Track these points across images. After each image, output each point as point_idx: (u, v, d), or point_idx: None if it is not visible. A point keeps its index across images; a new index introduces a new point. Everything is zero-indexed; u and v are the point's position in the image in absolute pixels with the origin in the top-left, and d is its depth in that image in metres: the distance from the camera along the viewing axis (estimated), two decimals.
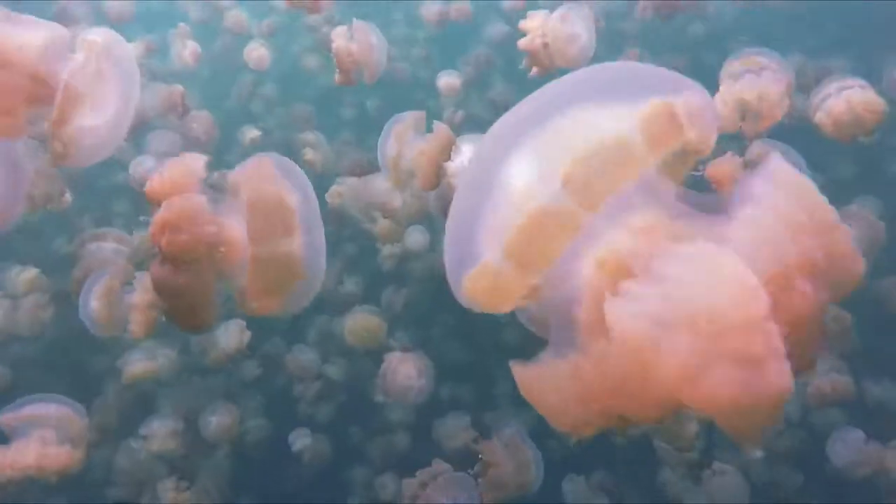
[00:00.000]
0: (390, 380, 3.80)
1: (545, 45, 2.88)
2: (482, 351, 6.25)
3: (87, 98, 1.81)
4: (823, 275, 1.14)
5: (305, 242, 1.83)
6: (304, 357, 5.20)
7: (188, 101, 4.41)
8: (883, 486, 4.35)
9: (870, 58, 6.28)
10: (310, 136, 5.23)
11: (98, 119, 1.86)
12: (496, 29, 7.25)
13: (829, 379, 3.91)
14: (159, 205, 1.76)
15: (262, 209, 1.77)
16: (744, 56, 2.63)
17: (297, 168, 1.95)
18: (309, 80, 7.88)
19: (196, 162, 1.83)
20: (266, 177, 1.82)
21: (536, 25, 2.89)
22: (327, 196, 4.45)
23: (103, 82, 1.86)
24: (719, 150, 1.40)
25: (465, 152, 2.79)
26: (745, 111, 2.42)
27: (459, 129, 6.10)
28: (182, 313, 1.81)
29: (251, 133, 5.77)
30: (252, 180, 1.81)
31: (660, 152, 1.23)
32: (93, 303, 2.68)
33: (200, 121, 4.64)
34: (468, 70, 6.76)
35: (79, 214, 5.35)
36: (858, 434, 4.25)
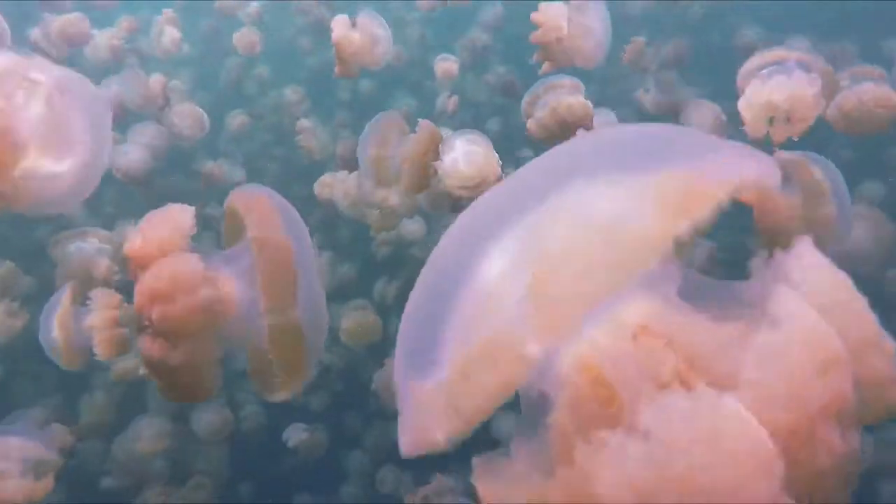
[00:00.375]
0: (390, 383, 3.64)
1: (559, 40, 2.68)
2: None
3: (34, 144, 1.61)
4: (853, 410, 0.91)
5: (309, 303, 1.58)
6: None
7: (174, 88, 4.22)
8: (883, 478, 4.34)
9: (873, 41, 6.18)
10: (305, 122, 5.07)
11: (60, 166, 1.68)
12: (492, 11, 7.10)
13: None
14: (143, 268, 1.50)
15: (270, 271, 1.52)
16: (770, 52, 2.42)
17: (294, 210, 1.72)
18: (301, 62, 7.70)
19: (182, 216, 1.57)
20: (272, 228, 1.56)
21: (551, 18, 2.69)
22: (316, 186, 4.30)
23: (59, 126, 1.66)
24: None
25: (458, 148, 2.63)
26: (773, 115, 2.26)
27: (455, 115, 6.00)
28: (181, 390, 1.57)
29: (239, 118, 5.61)
30: (258, 234, 1.55)
31: (688, 222, 0.91)
32: (55, 332, 2.45)
33: (184, 115, 4.39)
34: (465, 54, 6.61)
35: None
36: None
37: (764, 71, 2.34)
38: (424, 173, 2.67)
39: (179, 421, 4.15)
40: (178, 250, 1.52)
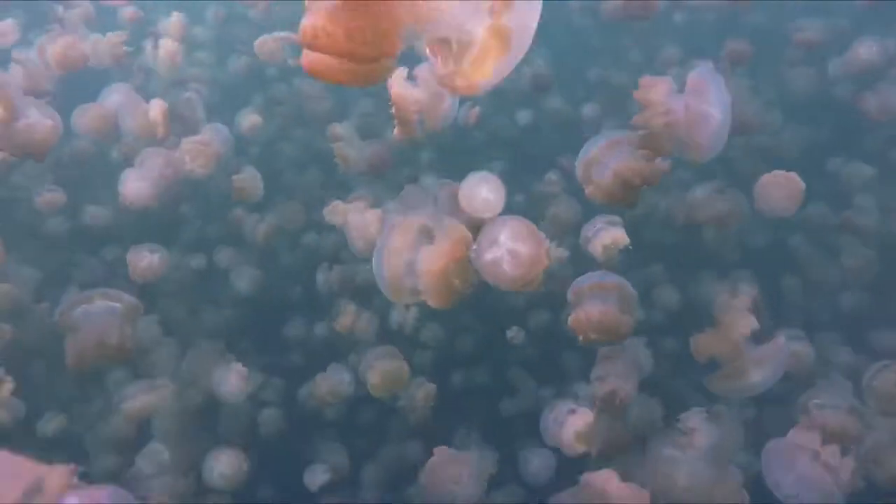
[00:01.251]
0: (434, 478, 3.35)
1: (668, 126, 2.24)
2: (494, 337, 6.01)
3: None
4: None
5: None
6: (336, 377, 4.83)
7: (184, 110, 3.84)
8: None
9: None
10: (338, 128, 4.69)
11: None
12: None
13: None
14: None
15: None
16: None
17: None
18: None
19: None
20: None
21: (661, 100, 2.23)
22: (326, 213, 3.97)
23: None
24: None
25: (502, 244, 2.21)
26: None
27: (474, 128, 5.58)
28: None
29: (251, 118, 5.26)
30: None
31: None
32: None
33: (195, 153, 3.80)
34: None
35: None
36: None
37: None
38: (449, 290, 2.30)
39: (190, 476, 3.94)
40: None
